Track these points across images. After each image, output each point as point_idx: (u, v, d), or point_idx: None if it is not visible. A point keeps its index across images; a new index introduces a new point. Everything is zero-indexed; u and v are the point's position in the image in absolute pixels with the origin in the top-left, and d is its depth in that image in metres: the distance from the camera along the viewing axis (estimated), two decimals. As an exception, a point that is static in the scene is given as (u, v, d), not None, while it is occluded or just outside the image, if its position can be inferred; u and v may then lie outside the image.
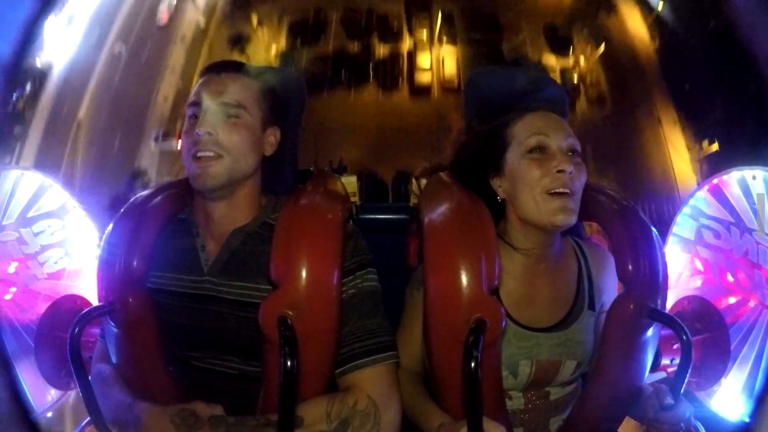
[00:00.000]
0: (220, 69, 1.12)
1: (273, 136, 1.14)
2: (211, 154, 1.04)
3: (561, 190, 1.05)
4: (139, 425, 0.96)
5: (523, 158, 1.09)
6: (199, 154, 1.04)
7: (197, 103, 1.07)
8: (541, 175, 1.06)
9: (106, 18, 2.41)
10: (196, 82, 1.13)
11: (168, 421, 0.94)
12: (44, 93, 2.32)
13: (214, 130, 1.04)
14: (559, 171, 1.06)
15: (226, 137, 1.05)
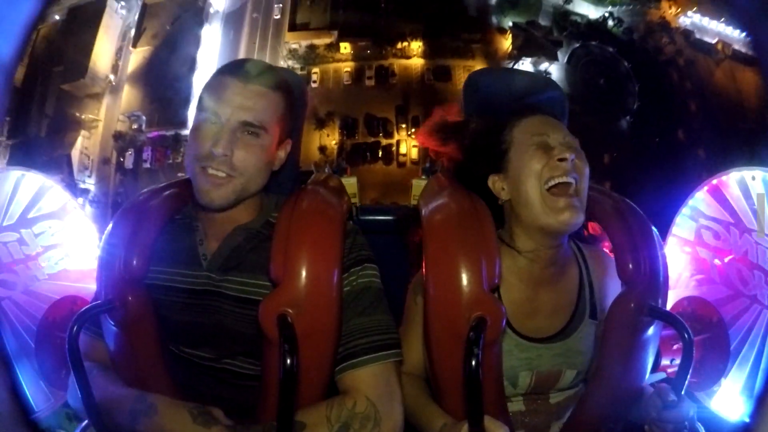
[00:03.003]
0: (248, 77, 1.04)
1: (284, 150, 1.11)
2: (223, 174, 1.01)
3: (563, 179, 1.05)
4: (153, 413, 0.95)
5: (525, 153, 1.09)
6: (210, 171, 1.01)
7: (216, 113, 1.01)
8: (543, 166, 1.06)
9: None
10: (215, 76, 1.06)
11: (185, 412, 0.94)
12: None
13: (231, 152, 1.00)
14: (560, 159, 1.05)
15: (242, 159, 1.01)
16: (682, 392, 1.02)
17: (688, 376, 1.03)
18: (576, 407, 1.16)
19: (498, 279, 1.03)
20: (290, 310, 0.94)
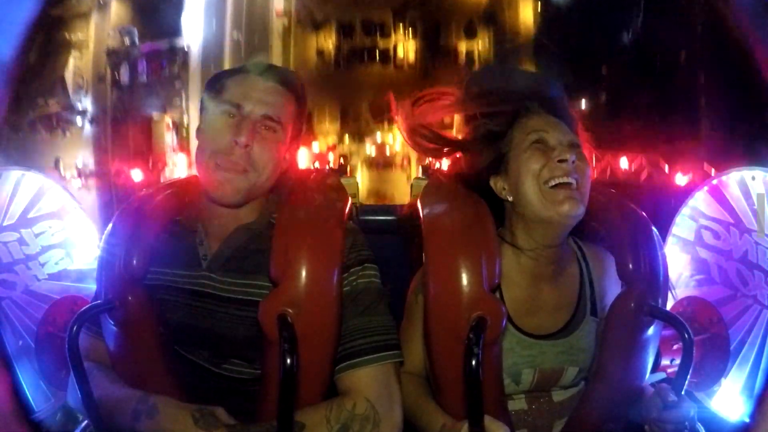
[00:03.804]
0: (269, 75, 1.08)
1: (289, 154, 1.13)
2: (239, 166, 1.02)
3: (563, 180, 1.05)
4: (155, 414, 0.95)
5: (524, 153, 1.09)
6: (227, 164, 1.02)
7: (238, 105, 1.04)
8: (542, 166, 1.06)
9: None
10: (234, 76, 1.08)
11: (187, 414, 0.94)
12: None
13: (251, 143, 1.02)
14: (560, 161, 1.05)
15: (259, 152, 1.03)
16: (682, 392, 1.02)
17: (688, 376, 1.03)
18: (576, 406, 1.16)
19: (498, 278, 1.03)
20: (290, 310, 0.95)
